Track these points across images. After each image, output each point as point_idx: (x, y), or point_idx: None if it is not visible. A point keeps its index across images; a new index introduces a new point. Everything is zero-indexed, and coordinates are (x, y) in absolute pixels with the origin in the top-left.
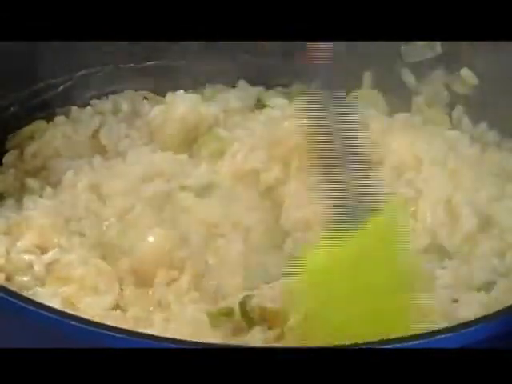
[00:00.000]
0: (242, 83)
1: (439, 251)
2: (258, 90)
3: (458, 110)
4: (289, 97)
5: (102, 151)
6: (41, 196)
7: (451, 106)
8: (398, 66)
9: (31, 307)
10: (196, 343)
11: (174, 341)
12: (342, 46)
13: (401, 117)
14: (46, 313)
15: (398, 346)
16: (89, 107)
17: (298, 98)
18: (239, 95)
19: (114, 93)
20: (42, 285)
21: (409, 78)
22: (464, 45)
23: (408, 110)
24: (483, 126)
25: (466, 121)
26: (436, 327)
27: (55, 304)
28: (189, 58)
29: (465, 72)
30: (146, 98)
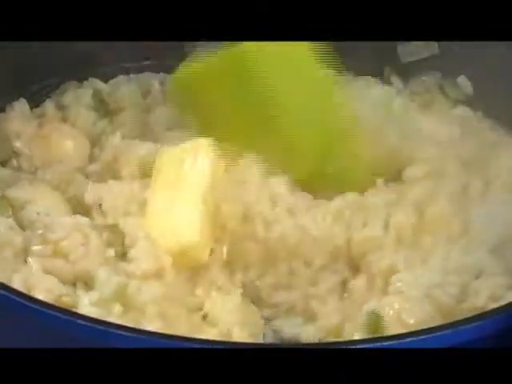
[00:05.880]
0: None
1: None
2: None
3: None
4: None
5: None
6: None
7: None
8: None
9: (35, 306)
10: (204, 341)
11: (182, 339)
12: None
13: None
14: (50, 311)
15: (394, 345)
16: None
17: None
18: None
19: None
20: None
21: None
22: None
23: None
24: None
25: None
26: None
27: None
28: None
29: (461, 80)
30: None
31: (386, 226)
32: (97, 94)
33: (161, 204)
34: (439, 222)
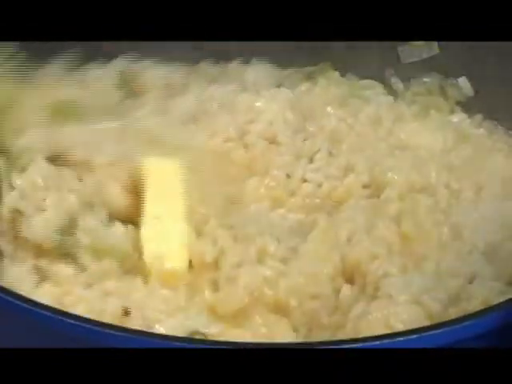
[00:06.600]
0: None
1: None
2: None
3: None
4: None
5: None
6: None
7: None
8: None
9: (29, 306)
10: (204, 342)
11: (182, 339)
12: None
13: None
14: (45, 312)
15: (392, 345)
16: None
17: None
18: None
19: None
20: None
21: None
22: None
23: None
24: (478, 116)
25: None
26: None
27: None
28: None
29: (462, 81)
30: None
31: (375, 238)
32: (121, 75)
33: (151, 222)
34: (422, 233)
